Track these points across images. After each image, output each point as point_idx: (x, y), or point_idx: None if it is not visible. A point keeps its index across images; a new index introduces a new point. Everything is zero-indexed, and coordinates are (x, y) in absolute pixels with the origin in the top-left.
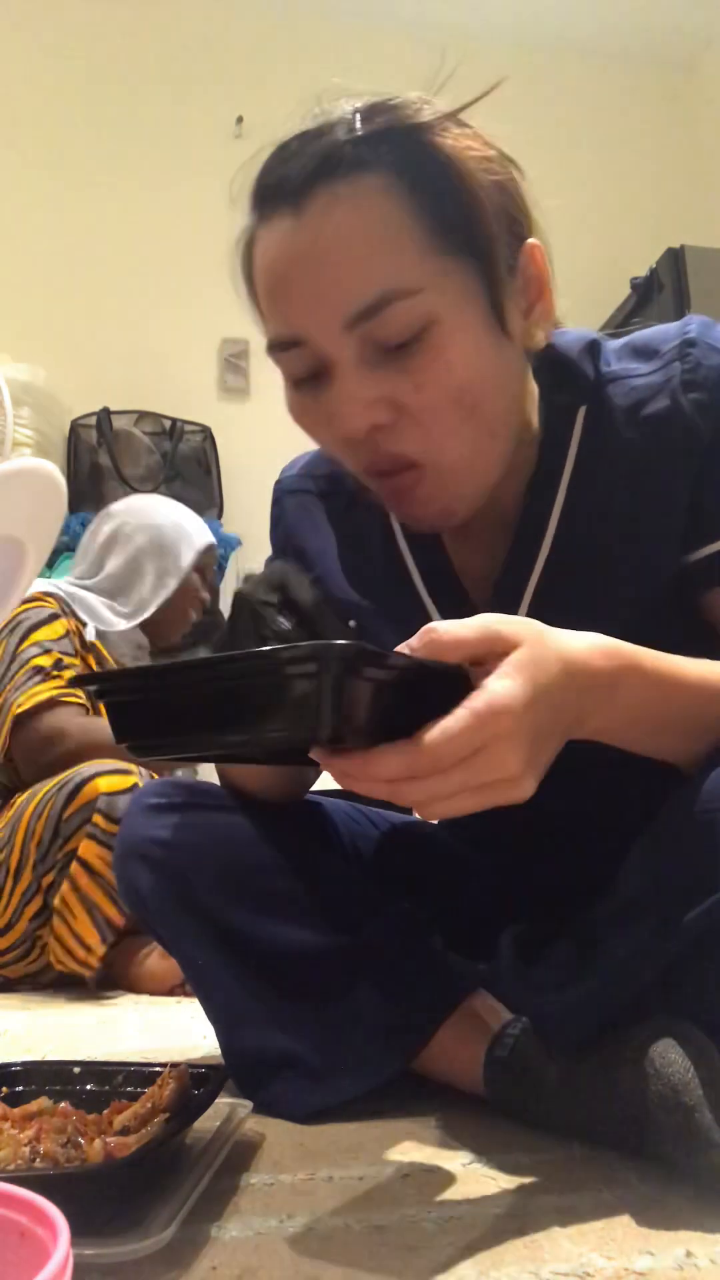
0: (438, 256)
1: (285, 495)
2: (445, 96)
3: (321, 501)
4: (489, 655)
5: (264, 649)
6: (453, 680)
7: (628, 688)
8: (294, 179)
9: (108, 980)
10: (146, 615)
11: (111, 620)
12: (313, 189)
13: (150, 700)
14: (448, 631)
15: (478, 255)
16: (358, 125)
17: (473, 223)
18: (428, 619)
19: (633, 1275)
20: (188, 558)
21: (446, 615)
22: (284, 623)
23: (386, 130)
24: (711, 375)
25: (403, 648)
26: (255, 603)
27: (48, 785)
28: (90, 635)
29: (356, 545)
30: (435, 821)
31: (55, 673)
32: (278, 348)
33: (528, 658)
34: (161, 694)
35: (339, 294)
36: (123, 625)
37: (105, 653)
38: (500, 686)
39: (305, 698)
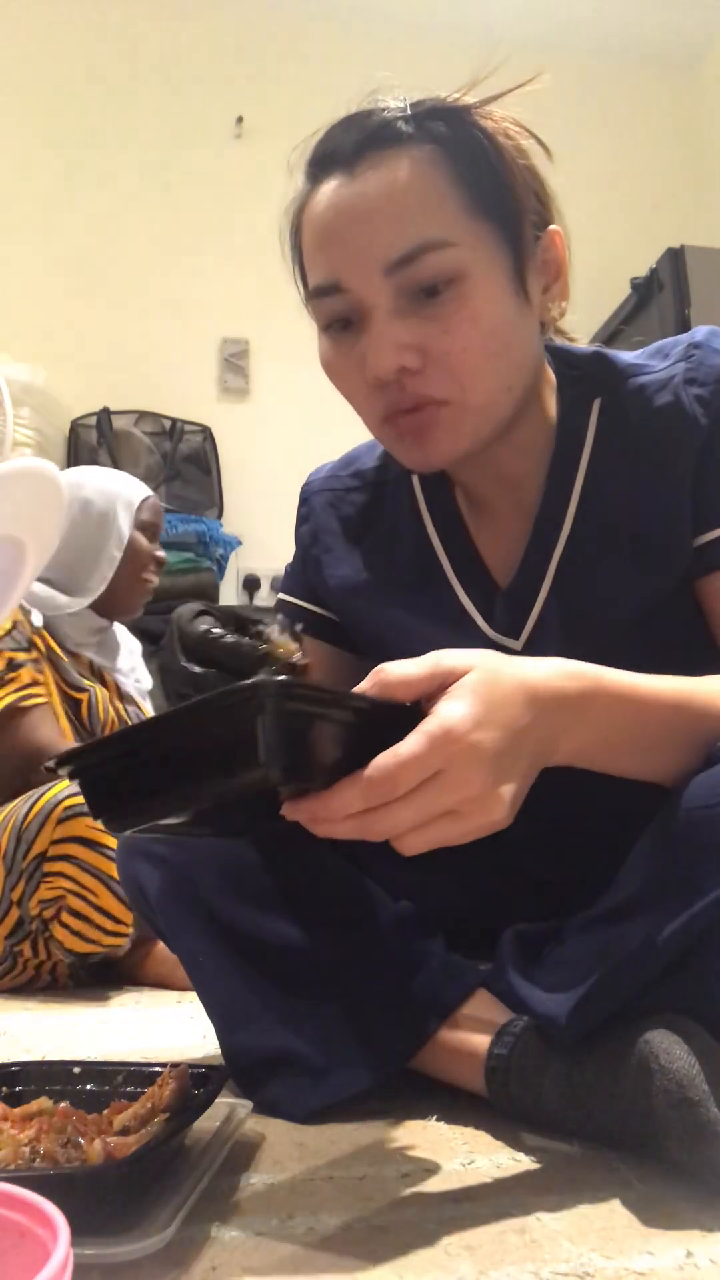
0: (471, 219)
1: (313, 495)
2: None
3: (350, 497)
4: (440, 690)
5: (193, 700)
6: (412, 719)
7: (597, 708)
8: (347, 147)
9: (115, 975)
10: (99, 593)
11: (60, 603)
12: (364, 155)
13: (118, 768)
14: (394, 671)
15: (507, 225)
16: (407, 108)
17: (505, 195)
18: (458, 606)
19: (633, 1275)
20: (125, 522)
21: (475, 601)
22: (219, 632)
23: (433, 109)
24: (711, 373)
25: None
26: (183, 621)
27: (14, 802)
28: (37, 621)
29: (385, 541)
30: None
31: (10, 675)
32: (318, 294)
33: (479, 679)
34: (126, 758)
35: (380, 242)
36: (73, 607)
37: (52, 643)
38: (449, 708)
39: (249, 736)
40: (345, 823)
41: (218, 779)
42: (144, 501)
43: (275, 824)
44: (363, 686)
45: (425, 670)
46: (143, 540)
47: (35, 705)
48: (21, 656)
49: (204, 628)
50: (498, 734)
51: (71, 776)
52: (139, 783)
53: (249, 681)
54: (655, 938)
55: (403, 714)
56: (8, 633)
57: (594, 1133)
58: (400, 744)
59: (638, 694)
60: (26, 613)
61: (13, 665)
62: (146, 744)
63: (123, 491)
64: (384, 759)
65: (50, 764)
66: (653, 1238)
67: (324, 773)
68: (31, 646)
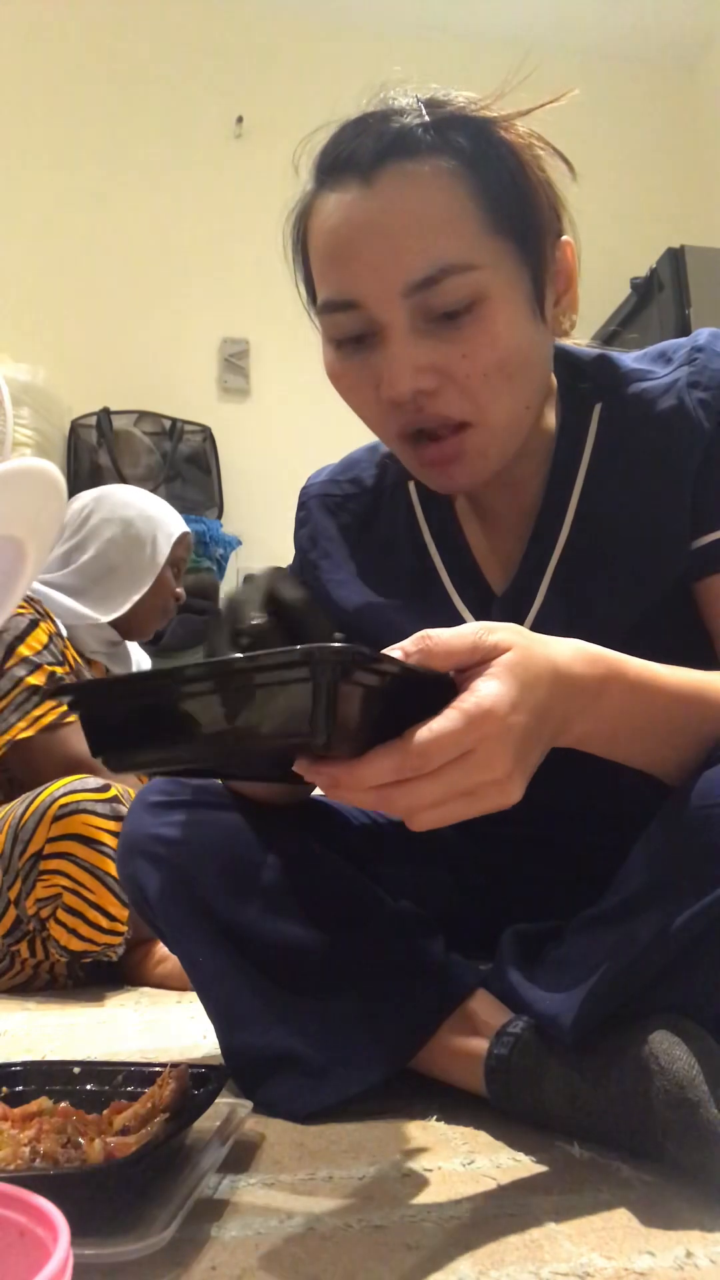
0: (493, 239)
1: (311, 499)
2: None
3: (348, 504)
4: (479, 663)
5: (251, 654)
6: (441, 687)
7: (611, 695)
8: (366, 154)
9: (115, 975)
10: (120, 612)
11: (80, 614)
12: (385, 164)
13: (130, 711)
14: (441, 640)
15: (527, 243)
16: (424, 113)
17: (527, 213)
18: (454, 612)
19: (633, 1275)
20: (163, 552)
21: (471, 606)
22: (257, 618)
23: (457, 120)
24: (715, 377)
25: (394, 650)
26: (233, 599)
27: (11, 802)
28: (62, 631)
29: (382, 546)
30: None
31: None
32: (330, 308)
33: (516, 660)
34: (143, 703)
35: (401, 263)
36: (94, 620)
37: (74, 652)
38: (489, 688)
39: (299, 703)
40: (369, 793)
41: (254, 736)
42: (183, 537)
43: (282, 777)
44: (405, 649)
45: (469, 643)
46: (169, 575)
47: (73, 719)
48: (60, 671)
49: (249, 604)
50: (527, 718)
51: (72, 708)
52: (154, 729)
53: (303, 648)
54: (656, 937)
55: (431, 682)
56: (45, 646)
57: (594, 1133)
58: (437, 720)
59: (652, 684)
60: (53, 622)
61: (53, 679)
62: (182, 691)
63: (165, 522)
64: (422, 735)
65: (55, 688)
66: (653, 1238)
67: (355, 739)
68: (64, 660)
